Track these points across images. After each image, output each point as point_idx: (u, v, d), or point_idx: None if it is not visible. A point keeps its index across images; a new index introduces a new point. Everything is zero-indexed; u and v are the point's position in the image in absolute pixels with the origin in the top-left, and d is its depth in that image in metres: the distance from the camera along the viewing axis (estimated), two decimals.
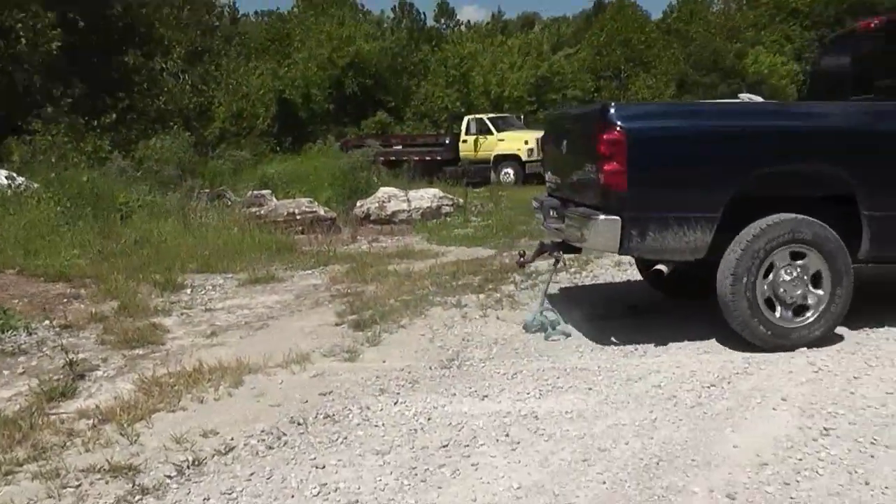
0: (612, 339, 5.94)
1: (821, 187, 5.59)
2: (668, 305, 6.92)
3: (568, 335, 6.05)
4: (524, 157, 24.60)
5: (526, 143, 24.74)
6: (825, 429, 4.10)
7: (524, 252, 7.18)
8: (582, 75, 44.39)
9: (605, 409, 4.51)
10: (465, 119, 27.74)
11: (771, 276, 5.43)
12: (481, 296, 7.53)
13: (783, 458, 3.80)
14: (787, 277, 5.43)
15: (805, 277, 5.46)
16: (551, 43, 47.37)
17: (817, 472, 3.65)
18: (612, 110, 5.52)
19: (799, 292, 5.45)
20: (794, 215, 5.46)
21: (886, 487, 3.48)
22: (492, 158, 25.27)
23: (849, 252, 5.49)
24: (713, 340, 5.75)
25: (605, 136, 5.39)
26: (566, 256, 6.98)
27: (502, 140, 25.51)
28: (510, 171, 24.77)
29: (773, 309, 5.44)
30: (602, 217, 5.47)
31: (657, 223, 5.44)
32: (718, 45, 45.22)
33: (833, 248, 5.44)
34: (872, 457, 3.78)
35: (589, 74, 45.05)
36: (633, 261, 7.71)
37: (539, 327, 6.17)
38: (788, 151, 5.55)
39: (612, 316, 6.61)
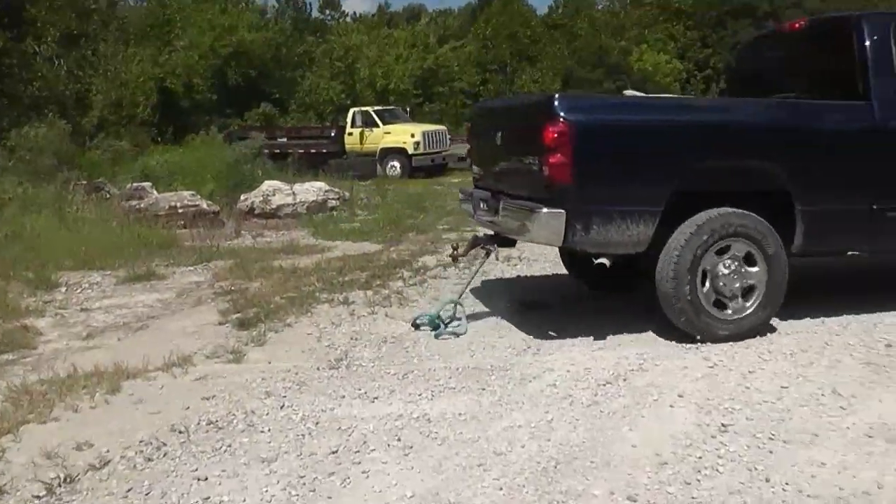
0: (505, 336, 5.89)
1: (758, 183, 5.71)
2: (560, 302, 6.92)
3: (462, 333, 5.96)
4: (410, 151, 24.54)
5: (412, 136, 24.71)
6: (723, 425, 4.12)
7: (457, 245, 7.04)
8: (468, 68, 44.57)
9: (500, 410, 4.43)
10: (351, 111, 27.45)
11: (726, 255, 5.53)
12: (369, 292, 7.39)
13: (683, 456, 3.79)
14: (734, 267, 5.53)
15: (743, 282, 5.56)
16: (437, 35, 47.39)
17: (717, 469, 3.64)
18: (557, 102, 5.46)
19: (736, 285, 5.56)
20: (769, 226, 5.56)
21: (787, 483, 3.49)
22: (378, 151, 25.08)
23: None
24: (607, 337, 5.75)
25: (550, 128, 5.33)
26: (454, 252, 6.93)
27: (388, 133, 25.37)
28: (396, 164, 24.63)
29: (703, 284, 5.50)
30: (545, 210, 5.40)
31: (601, 216, 5.42)
32: (604, 41, 46.07)
33: (780, 277, 5.58)
34: (771, 452, 3.81)
35: (475, 68, 45.26)
36: (523, 255, 7.68)
37: (429, 325, 6.08)
38: (730, 147, 5.64)
39: (503, 313, 6.55)
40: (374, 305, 6.89)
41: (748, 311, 5.58)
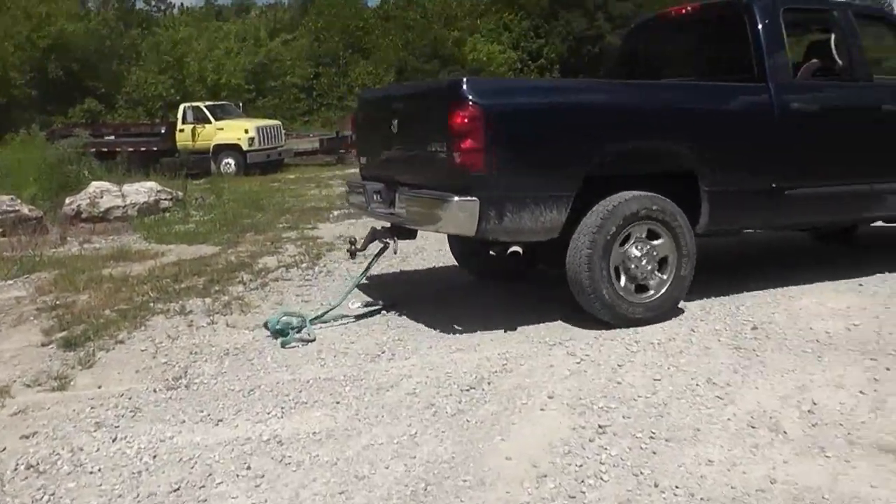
0: (357, 341, 5.54)
1: (666, 165, 5.69)
2: (412, 301, 6.58)
3: (311, 340, 5.58)
4: (245, 147, 23.67)
5: (246, 131, 23.87)
6: (600, 426, 3.91)
7: (355, 239, 6.61)
8: (301, 62, 43.70)
9: (358, 425, 4.08)
10: (181, 107, 26.18)
11: (636, 239, 5.49)
12: (208, 300, 6.90)
13: (562, 466, 3.54)
14: (647, 249, 5.53)
15: (654, 265, 5.57)
16: (268, 29, 46.12)
17: (601, 478, 3.41)
18: (467, 85, 5.17)
19: (649, 268, 5.54)
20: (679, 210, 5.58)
21: (677, 487, 3.30)
22: (211, 148, 24.09)
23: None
24: (463, 336, 5.50)
25: (460, 113, 5.07)
26: (290, 252, 6.54)
27: (221, 129, 24.37)
28: (231, 161, 23.72)
29: (619, 269, 5.49)
30: (457, 199, 5.13)
31: (514, 203, 5.20)
32: (437, 32, 46.13)
33: (688, 262, 5.61)
34: (655, 453, 3.62)
35: (308, 61, 44.45)
36: (369, 252, 7.25)
37: (273, 331, 5.68)
38: (644, 129, 5.61)
39: (353, 315, 6.18)
40: (213, 314, 6.42)
41: (662, 293, 5.59)
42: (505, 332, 5.57)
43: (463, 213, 5.12)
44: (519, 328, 5.61)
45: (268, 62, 41.32)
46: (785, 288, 6.35)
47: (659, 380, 4.51)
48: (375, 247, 6.53)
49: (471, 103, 5.07)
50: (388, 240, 6.31)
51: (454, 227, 5.35)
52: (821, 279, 6.58)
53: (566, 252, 5.47)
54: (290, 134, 29.07)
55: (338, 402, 4.40)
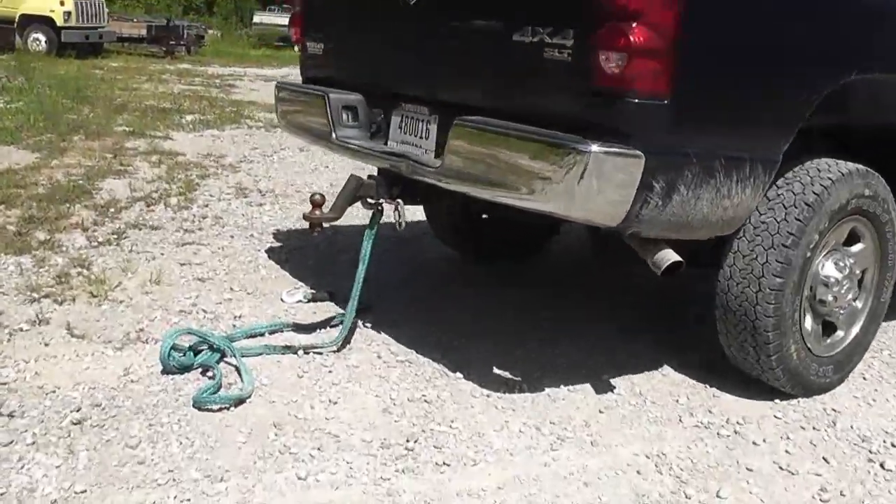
0: (341, 401, 2.66)
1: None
2: (391, 299, 3.65)
3: (246, 397, 2.69)
4: (59, 22, 18.95)
5: (62, 3, 19.13)
6: None
7: (322, 196, 3.25)
8: None
9: None
10: None
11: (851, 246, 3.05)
12: (27, 259, 3.87)
13: None
14: (845, 269, 2.98)
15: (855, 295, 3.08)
16: None
17: None
18: None
19: (848, 297, 3.02)
20: None
21: None
22: (17, 18, 19.19)
23: None
24: (557, 406, 2.73)
25: None
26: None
27: None
28: (41, 36, 18.94)
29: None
30: (598, 148, 2.29)
31: (699, 169, 2.46)
32: None
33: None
34: None
35: None
36: (266, 187, 4.14)
37: (181, 364, 2.83)
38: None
39: (290, 325, 3.25)
40: (39, 296, 3.43)
41: (853, 336, 3.11)
42: (619, 392, 2.89)
43: (609, 179, 2.30)
44: (632, 382, 2.93)
45: None
46: None
47: None
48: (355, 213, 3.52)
49: None
50: (384, 200, 3.23)
51: (579, 205, 2.38)
52: None
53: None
54: (112, 15, 24.23)
55: None
